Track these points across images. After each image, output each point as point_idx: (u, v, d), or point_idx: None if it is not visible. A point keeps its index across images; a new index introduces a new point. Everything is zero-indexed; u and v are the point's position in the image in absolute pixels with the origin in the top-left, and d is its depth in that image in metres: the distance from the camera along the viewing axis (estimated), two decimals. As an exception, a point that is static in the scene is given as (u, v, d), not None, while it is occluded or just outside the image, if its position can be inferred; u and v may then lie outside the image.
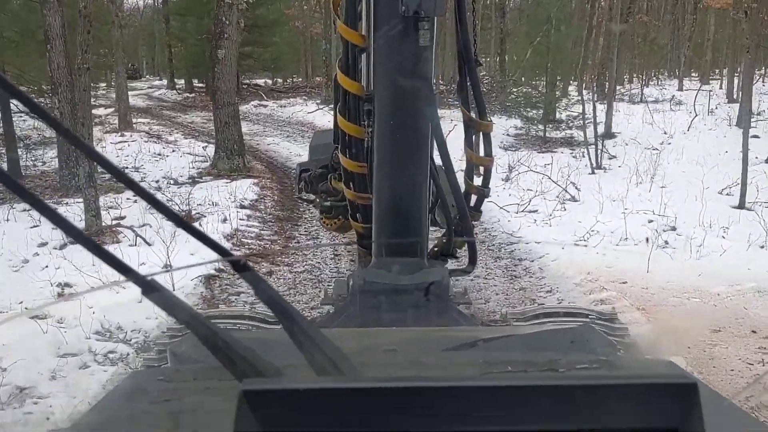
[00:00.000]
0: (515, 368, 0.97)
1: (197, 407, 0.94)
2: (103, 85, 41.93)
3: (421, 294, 1.99)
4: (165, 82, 40.54)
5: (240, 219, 9.12)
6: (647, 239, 7.75)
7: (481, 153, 2.50)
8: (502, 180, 11.54)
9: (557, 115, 16.02)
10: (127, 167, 12.42)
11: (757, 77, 24.60)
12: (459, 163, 2.38)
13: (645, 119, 17.65)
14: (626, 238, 8.02)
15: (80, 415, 0.94)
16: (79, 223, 8.34)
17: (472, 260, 2.53)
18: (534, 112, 15.97)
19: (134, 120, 19.00)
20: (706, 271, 6.57)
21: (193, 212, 9.19)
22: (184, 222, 0.87)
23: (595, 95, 13.53)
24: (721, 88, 28.13)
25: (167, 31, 35.75)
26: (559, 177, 11.27)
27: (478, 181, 2.58)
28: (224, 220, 8.91)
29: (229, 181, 11.36)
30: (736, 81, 24.86)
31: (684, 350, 4.69)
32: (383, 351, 1.22)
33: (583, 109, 13.14)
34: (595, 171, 12.20)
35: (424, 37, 1.91)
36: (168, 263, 6.93)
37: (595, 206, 9.53)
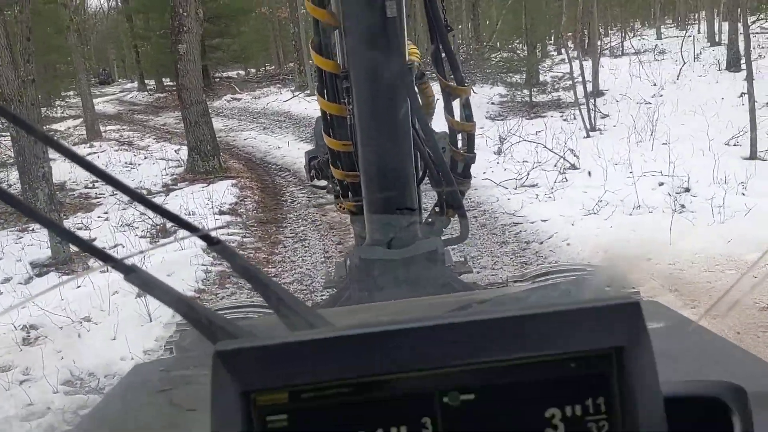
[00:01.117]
0: None
1: (194, 390, 0.97)
2: (72, 93, 40.97)
3: (417, 266, 2.01)
4: (136, 84, 39.46)
5: (220, 228, 8.44)
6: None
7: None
8: (494, 153, 10.91)
9: (540, 78, 15.38)
10: (96, 181, 11.68)
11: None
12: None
13: (631, 72, 17.02)
14: (639, 206, 7.41)
15: (86, 414, 0.99)
16: (45, 251, 7.68)
17: (465, 227, 2.52)
18: (517, 77, 15.30)
19: (104, 128, 18.16)
20: (734, 235, 5.96)
21: (168, 225, 8.51)
22: (147, 200, 0.84)
23: (580, 52, 12.81)
24: (699, 32, 27.57)
25: (131, 31, 34.59)
26: (555, 144, 10.64)
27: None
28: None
29: (205, 184, 10.66)
30: (716, 23, 24.31)
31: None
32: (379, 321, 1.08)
33: (571, 68, 12.47)
34: (590, 133, 11.58)
35: (391, 8, 1.88)
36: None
37: (598, 173, 8.92)
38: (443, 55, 2.30)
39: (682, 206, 7.05)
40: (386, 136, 2.10)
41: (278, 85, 27.58)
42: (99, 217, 9.38)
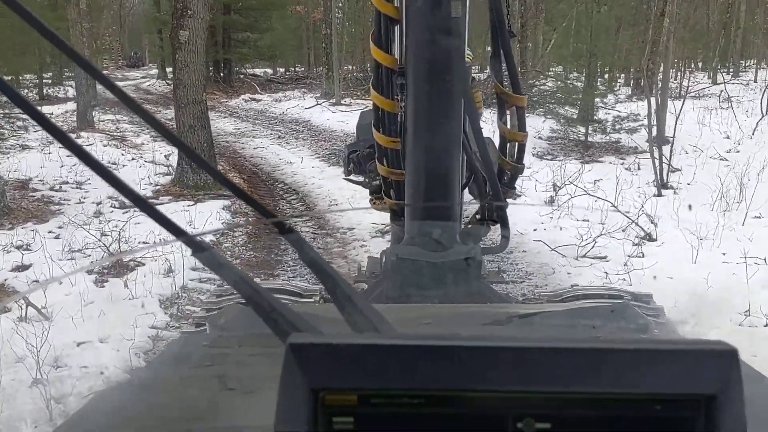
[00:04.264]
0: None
1: (243, 371, 0.98)
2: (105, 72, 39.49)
3: (453, 271, 2.01)
4: (156, 71, 37.82)
5: (193, 268, 6.53)
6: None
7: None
8: (545, 203, 8.94)
9: (596, 114, 13.38)
10: (65, 183, 9.82)
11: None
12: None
13: (699, 119, 14.97)
14: (748, 312, 5.44)
15: (128, 378, 1.12)
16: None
17: (505, 237, 2.41)
18: (569, 109, 13.32)
19: (102, 117, 16.36)
20: None
21: (128, 257, 6.60)
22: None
23: (652, 90, 10.80)
24: (755, 81, 25.49)
25: (156, 14, 32.90)
26: (620, 202, 8.68)
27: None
28: (168, 272, 6.33)
29: (192, 202, 8.79)
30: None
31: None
32: (419, 324, 1.26)
33: (649, 109, 10.44)
34: (662, 191, 9.56)
35: (456, 8, 1.88)
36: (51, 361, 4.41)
37: (681, 249, 6.94)
38: (503, 61, 2.24)
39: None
40: (437, 136, 2.08)
41: (303, 88, 25.71)
42: (50, 232, 7.52)
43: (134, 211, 8.42)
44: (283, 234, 0.81)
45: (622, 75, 25.66)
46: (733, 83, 22.26)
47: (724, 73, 29.60)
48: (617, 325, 1.25)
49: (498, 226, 2.37)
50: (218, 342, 1.14)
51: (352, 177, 4.07)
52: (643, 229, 7.52)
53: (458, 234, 2.19)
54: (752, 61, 35.16)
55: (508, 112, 2.47)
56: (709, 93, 20.58)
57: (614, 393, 0.54)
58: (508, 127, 2.44)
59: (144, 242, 7.04)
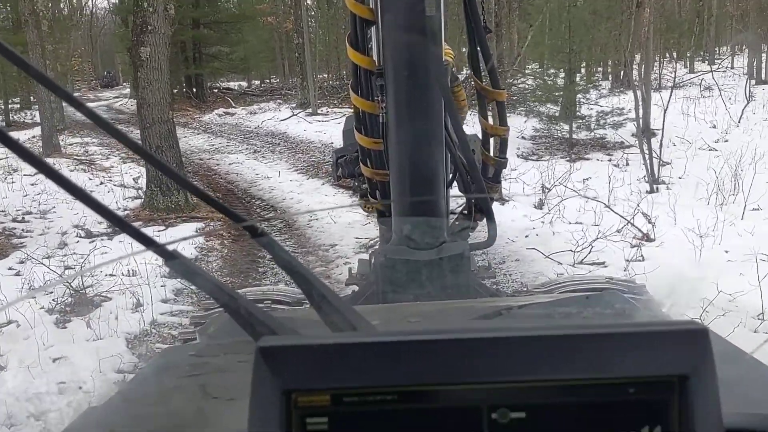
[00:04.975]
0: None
1: (227, 379, 0.99)
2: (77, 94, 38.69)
3: (442, 268, 2.01)
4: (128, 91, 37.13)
5: (164, 300, 6.05)
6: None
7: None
8: (535, 207, 8.54)
9: (578, 110, 13.01)
10: (28, 213, 9.29)
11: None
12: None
13: (683, 110, 14.67)
14: (761, 315, 5.06)
15: (115, 392, 0.97)
16: None
17: (493, 231, 2.30)
18: (551, 106, 12.93)
19: (70, 140, 15.80)
20: None
21: (93, 291, 6.10)
22: (200, 190, 0.90)
23: (636, 83, 10.43)
24: (732, 67, 25.35)
25: (125, 33, 32.29)
26: (612, 200, 8.29)
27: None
28: (137, 306, 5.84)
29: (163, 227, 8.29)
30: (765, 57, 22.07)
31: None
32: (407, 322, 1.26)
33: (636, 102, 10.08)
34: (655, 187, 9.19)
35: (430, 6, 1.87)
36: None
37: (682, 249, 6.56)
38: (480, 57, 2.26)
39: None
40: (419, 135, 2.08)
41: (278, 100, 25.21)
42: (10, 269, 6.99)
43: (101, 239, 7.95)
44: (254, 238, 0.81)
45: (599, 69, 25.43)
46: (719, 71, 21.99)
47: (700, 62, 29.54)
48: (601, 312, 1.26)
49: (485, 221, 2.36)
50: (205, 351, 1.14)
51: (341, 182, 4.03)
52: (640, 230, 7.13)
53: (445, 230, 2.18)
54: (726, 48, 35.19)
55: (489, 107, 2.48)
56: (689, 82, 20.32)
57: (588, 379, 0.54)
58: (489, 122, 2.46)
59: (111, 275, 6.54)
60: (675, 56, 31.07)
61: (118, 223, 0.78)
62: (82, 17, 55.96)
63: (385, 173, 2.41)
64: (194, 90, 27.22)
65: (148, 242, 0.75)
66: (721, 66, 26.12)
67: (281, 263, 0.81)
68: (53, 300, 5.90)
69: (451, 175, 2.37)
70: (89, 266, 7.03)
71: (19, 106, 22.12)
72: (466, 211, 2.43)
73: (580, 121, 12.44)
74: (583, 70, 16.25)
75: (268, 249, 0.81)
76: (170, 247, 0.75)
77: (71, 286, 6.04)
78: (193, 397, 0.93)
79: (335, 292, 0.82)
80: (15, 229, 8.58)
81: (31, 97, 20.61)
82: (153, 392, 0.99)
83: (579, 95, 12.51)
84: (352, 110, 2.44)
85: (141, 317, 5.57)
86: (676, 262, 6.24)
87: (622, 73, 20.28)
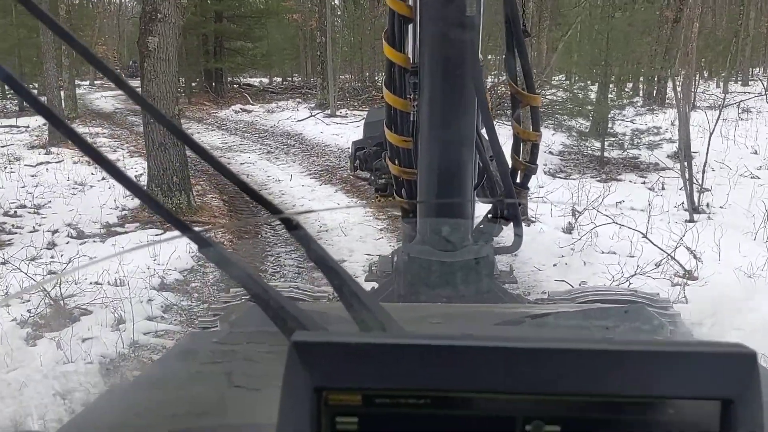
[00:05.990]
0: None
1: (252, 368, 0.99)
2: (86, 84, 38.39)
3: (465, 271, 2.00)
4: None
5: (149, 318, 5.44)
6: None
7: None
8: (563, 232, 7.85)
9: (610, 127, 12.27)
10: (22, 207, 8.73)
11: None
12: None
13: (721, 132, 13.87)
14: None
15: (139, 373, 1.16)
16: None
17: (518, 236, 2.32)
18: (581, 121, 12.22)
19: (78, 131, 15.25)
20: None
21: (74, 302, 5.51)
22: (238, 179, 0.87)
23: (682, 101, 9.69)
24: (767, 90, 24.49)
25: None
26: (650, 229, 7.58)
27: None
28: (118, 323, 5.24)
29: (161, 231, 7.69)
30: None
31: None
32: (429, 323, 1.24)
33: (680, 123, 9.35)
34: (695, 217, 8.47)
35: (470, 6, 1.86)
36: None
37: (729, 291, 5.87)
38: (517, 59, 2.22)
39: None
40: (451, 136, 2.04)
41: (298, 99, 24.63)
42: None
43: (93, 240, 7.37)
44: (290, 231, 0.79)
45: (630, 85, 24.68)
46: (763, 96, 21.11)
47: (732, 82, 28.63)
48: (631, 327, 1.24)
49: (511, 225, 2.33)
50: (228, 339, 1.14)
51: (358, 173, 4.08)
52: (682, 266, 6.42)
53: (470, 233, 2.15)
54: (759, 69, 34.28)
55: (521, 111, 2.45)
56: (725, 103, 19.49)
57: (628, 396, 0.52)
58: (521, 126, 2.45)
59: (96, 282, 5.95)
60: (706, 75, 30.20)
61: (155, 206, 0.84)
62: (110, 5, 55.87)
63: (412, 172, 2.39)
64: (213, 84, 26.72)
65: (184, 228, 0.76)
66: (754, 88, 25.28)
67: (314, 257, 0.80)
68: (28, 310, 5.31)
69: (478, 178, 2.34)
70: (80, 264, 6.48)
71: (36, 91, 21.72)
72: (491, 214, 2.39)
73: (612, 138, 11.71)
74: (612, 85, 15.59)
75: (302, 243, 0.80)
76: (206, 235, 0.77)
77: (50, 295, 5.45)
78: (217, 384, 0.93)
79: (366, 290, 0.80)
80: (5, 224, 8.02)
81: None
82: (176, 377, 1.00)
83: (614, 111, 11.77)
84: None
85: (119, 336, 4.96)
86: (725, 308, 5.54)
87: (655, 90, 19.51)
